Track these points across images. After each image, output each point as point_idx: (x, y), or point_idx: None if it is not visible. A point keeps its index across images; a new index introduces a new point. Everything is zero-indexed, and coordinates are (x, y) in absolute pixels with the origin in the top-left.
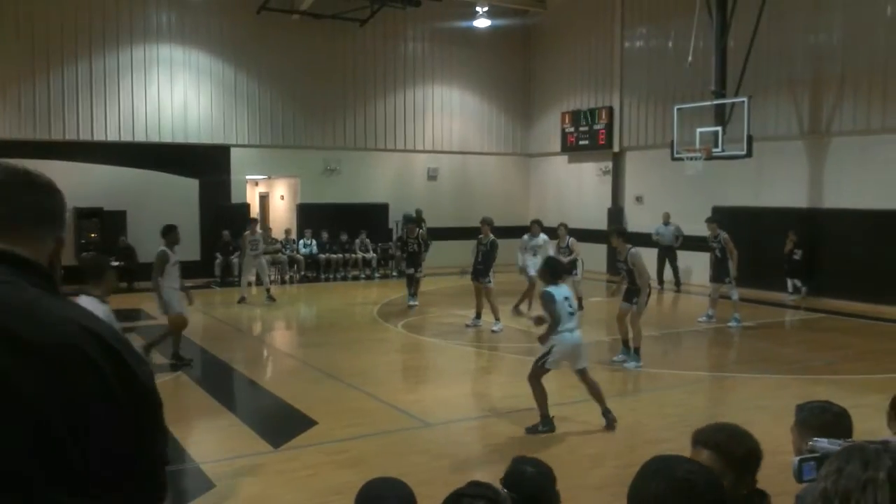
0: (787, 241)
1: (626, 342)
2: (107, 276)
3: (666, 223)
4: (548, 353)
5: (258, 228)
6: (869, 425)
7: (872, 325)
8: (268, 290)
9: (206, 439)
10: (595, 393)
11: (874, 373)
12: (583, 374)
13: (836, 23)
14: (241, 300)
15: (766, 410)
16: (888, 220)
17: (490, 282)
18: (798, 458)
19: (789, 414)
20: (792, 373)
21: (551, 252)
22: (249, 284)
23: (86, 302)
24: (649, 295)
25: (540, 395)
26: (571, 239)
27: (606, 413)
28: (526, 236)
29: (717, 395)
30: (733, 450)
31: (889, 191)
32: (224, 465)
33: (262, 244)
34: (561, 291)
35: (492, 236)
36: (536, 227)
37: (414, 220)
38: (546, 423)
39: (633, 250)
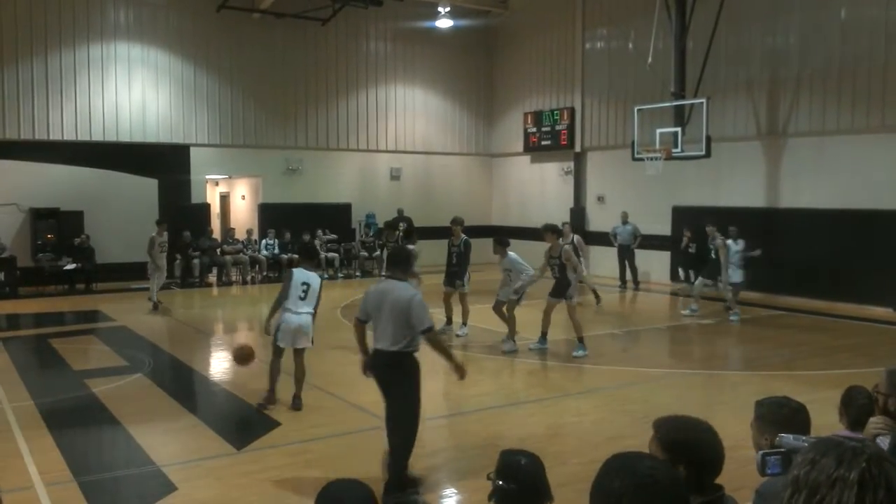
0: (683, 237)
1: (545, 333)
2: (412, 265)
3: (624, 222)
4: (278, 330)
5: (165, 230)
6: (825, 420)
7: (828, 322)
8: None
9: (168, 441)
10: (298, 377)
11: (830, 368)
12: (298, 355)
13: (793, 25)
14: (157, 306)
15: (726, 406)
16: (843, 219)
17: (465, 286)
18: (762, 452)
19: (748, 410)
20: (751, 369)
21: (525, 276)
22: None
23: (402, 286)
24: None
25: (274, 373)
26: (578, 237)
27: (296, 398)
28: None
29: (678, 391)
30: (671, 436)
31: (844, 190)
32: (186, 468)
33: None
34: (302, 276)
35: (464, 237)
36: (499, 248)
37: (393, 226)
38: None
39: (565, 246)
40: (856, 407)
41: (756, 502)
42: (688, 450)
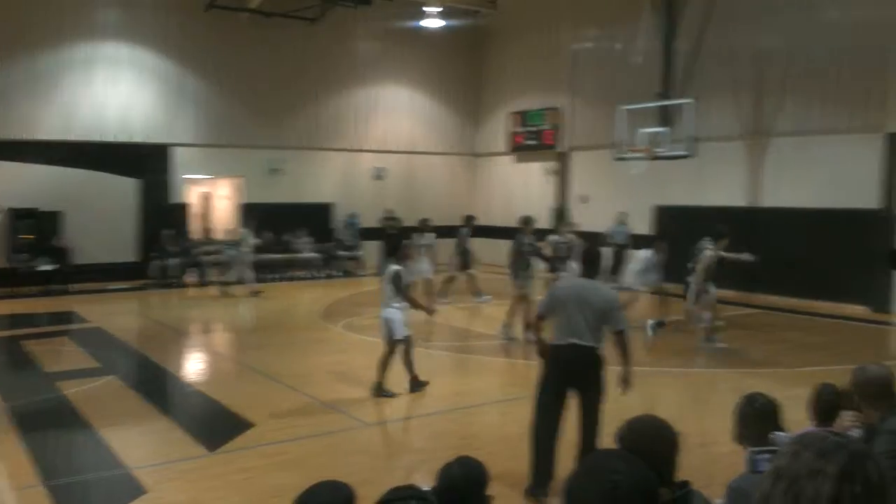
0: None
1: None
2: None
3: (621, 222)
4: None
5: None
6: (799, 416)
7: (805, 320)
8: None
9: (139, 443)
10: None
11: (804, 366)
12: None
13: (779, 27)
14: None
15: (700, 404)
16: (824, 219)
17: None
18: (751, 449)
19: (722, 407)
20: (726, 367)
21: None
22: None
23: (603, 286)
24: None
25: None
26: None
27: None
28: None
29: (652, 390)
30: (618, 433)
31: (825, 190)
32: (157, 470)
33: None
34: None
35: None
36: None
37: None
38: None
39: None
40: (822, 403)
41: (728, 498)
42: (630, 443)
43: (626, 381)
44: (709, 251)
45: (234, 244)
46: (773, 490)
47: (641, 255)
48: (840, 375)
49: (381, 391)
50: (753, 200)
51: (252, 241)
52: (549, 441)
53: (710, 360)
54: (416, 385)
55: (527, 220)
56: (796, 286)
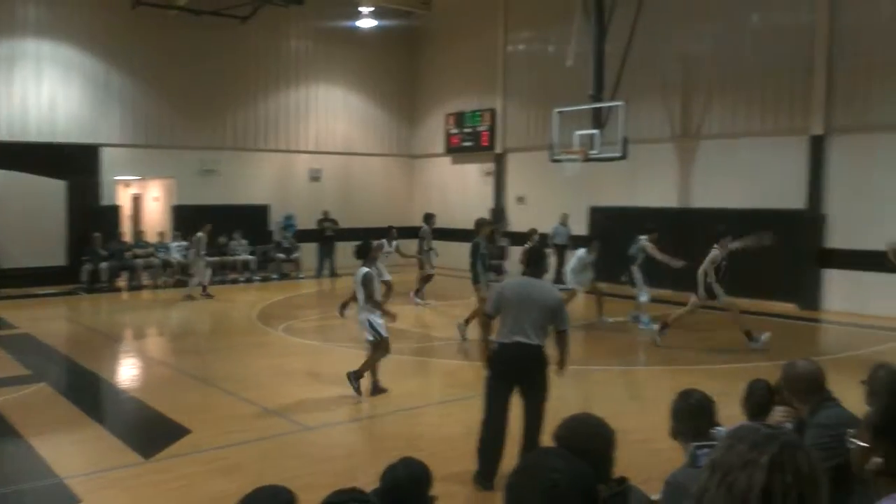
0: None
1: None
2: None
3: (563, 223)
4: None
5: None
6: (733, 411)
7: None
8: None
9: (71, 452)
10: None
11: (736, 362)
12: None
13: (707, 32)
14: (190, 298)
15: (638, 401)
16: (753, 219)
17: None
18: (694, 444)
19: (656, 404)
20: (661, 364)
21: None
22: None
23: (548, 285)
24: None
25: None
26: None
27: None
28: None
29: (591, 388)
30: (555, 432)
31: (754, 191)
32: (91, 479)
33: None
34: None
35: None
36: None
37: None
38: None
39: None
40: (755, 398)
41: (665, 492)
42: (567, 441)
43: (563, 367)
44: (715, 250)
45: (187, 247)
46: (709, 482)
47: (576, 255)
48: (771, 371)
49: (377, 389)
50: (685, 202)
51: (205, 242)
52: (496, 436)
53: (648, 357)
54: (376, 390)
55: (482, 223)
56: (727, 285)
